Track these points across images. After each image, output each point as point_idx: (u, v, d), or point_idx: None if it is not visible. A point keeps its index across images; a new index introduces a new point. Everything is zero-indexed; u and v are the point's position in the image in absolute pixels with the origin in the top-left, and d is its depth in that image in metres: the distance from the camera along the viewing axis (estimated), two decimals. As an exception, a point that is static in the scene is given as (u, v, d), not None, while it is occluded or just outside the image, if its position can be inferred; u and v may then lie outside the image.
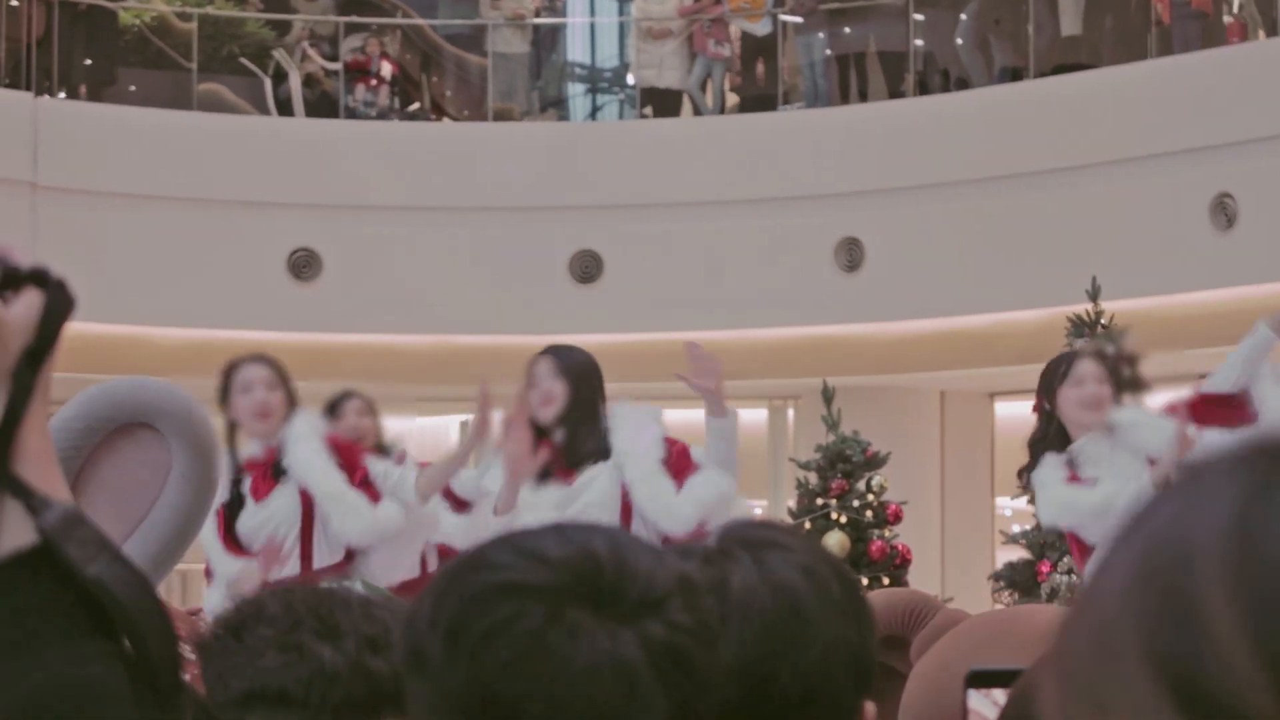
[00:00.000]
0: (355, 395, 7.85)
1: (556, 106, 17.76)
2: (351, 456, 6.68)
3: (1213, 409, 6.65)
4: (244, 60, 16.87)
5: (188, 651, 2.02)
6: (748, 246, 15.61)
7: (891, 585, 11.39)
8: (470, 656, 1.40)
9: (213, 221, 15.60)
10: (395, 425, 10.81)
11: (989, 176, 15.07)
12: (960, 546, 16.06)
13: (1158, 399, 6.85)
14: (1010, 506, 14.26)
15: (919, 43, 16.47)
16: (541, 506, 6.15)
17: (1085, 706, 0.84)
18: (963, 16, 16.38)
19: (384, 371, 15.17)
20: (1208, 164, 14.11)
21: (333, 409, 7.62)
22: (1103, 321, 11.70)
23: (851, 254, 15.73)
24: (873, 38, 16.71)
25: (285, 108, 16.72)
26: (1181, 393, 6.84)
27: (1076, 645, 0.85)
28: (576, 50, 18.16)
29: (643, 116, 17.04)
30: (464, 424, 16.47)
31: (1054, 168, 14.82)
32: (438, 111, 17.48)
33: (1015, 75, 15.85)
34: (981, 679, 1.95)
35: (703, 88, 16.89)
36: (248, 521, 6.55)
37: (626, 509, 6.33)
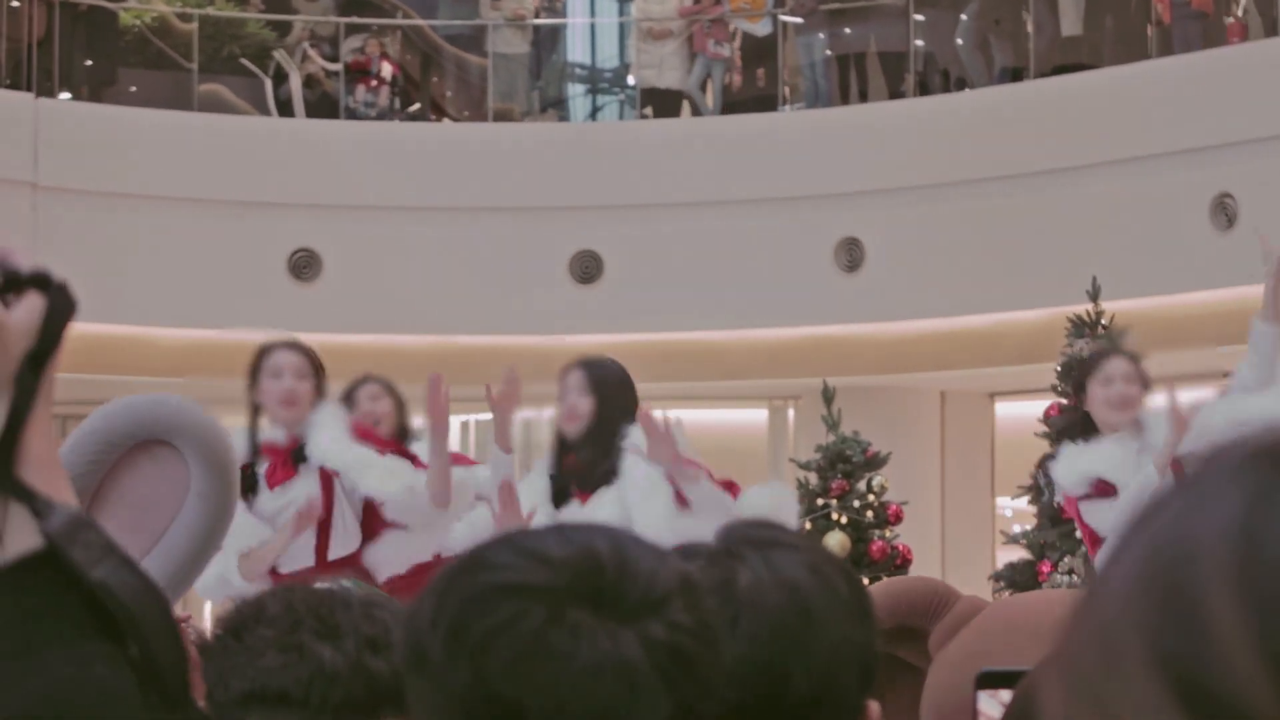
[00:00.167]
0: (370, 380, 7.79)
1: (557, 107, 17.77)
2: (374, 442, 6.58)
3: None
4: (244, 61, 16.87)
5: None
6: (748, 247, 15.61)
7: (892, 585, 11.38)
8: (471, 656, 1.40)
9: (213, 222, 15.60)
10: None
11: (989, 177, 15.07)
12: (960, 547, 16.06)
13: (1157, 399, 6.84)
14: (1011, 507, 14.26)
15: (919, 43, 16.47)
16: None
17: (1088, 707, 0.84)
18: (963, 17, 16.38)
19: (384, 372, 15.12)
20: (1208, 164, 14.11)
21: (348, 397, 7.54)
22: (1103, 322, 11.69)
23: (852, 254, 15.73)
24: (873, 38, 16.71)
25: (286, 108, 16.73)
26: (1200, 392, 6.83)
27: (1080, 645, 0.85)
28: (577, 51, 18.16)
29: (643, 117, 17.04)
30: (465, 424, 16.47)
31: (1054, 168, 14.82)
32: (438, 112, 17.48)
33: (1015, 76, 15.85)
34: (990, 680, 1.95)
35: (703, 88, 16.88)
36: (265, 506, 6.43)
37: None
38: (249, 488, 6.41)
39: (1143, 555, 0.84)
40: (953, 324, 15.45)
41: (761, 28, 16.92)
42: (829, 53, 16.63)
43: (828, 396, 11.80)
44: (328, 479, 6.45)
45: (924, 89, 16.21)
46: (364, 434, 6.64)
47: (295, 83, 16.76)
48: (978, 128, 15.24)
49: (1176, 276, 14.15)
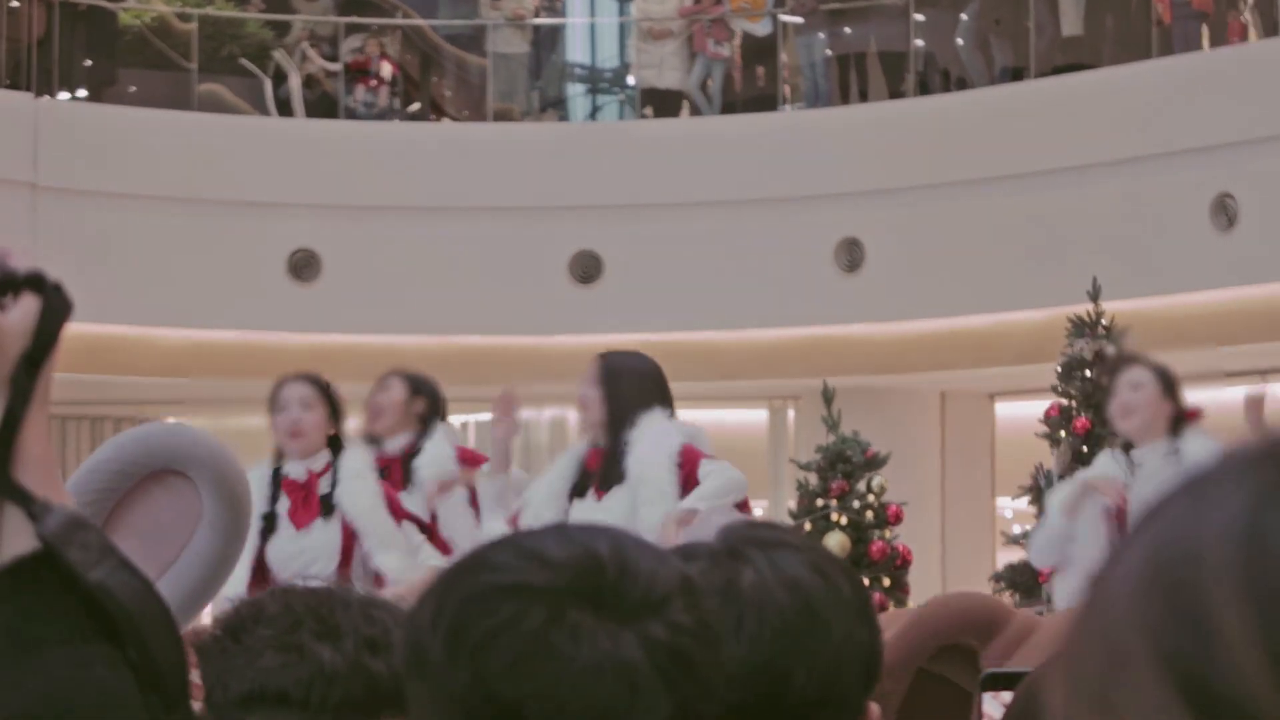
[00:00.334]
0: (388, 375, 7.82)
1: (556, 107, 17.77)
2: (393, 511, 6.59)
3: None
4: (244, 61, 16.87)
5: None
6: (748, 246, 15.61)
7: (892, 586, 11.39)
8: (471, 657, 1.39)
9: (212, 222, 15.60)
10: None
11: (989, 177, 15.07)
12: (961, 547, 16.06)
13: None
14: (1011, 507, 14.26)
15: (919, 43, 16.47)
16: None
17: (1092, 708, 0.83)
18: (963, 16, 16.38)
19: (383, 373, 15.14)
20: (1209, 164, 14.11)
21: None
22: (1103, 322, 11.69)
23: (852, 254, 15.73)
24: (873, 38, 16.71)
25: (285, 108, 16.73)
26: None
27: (1084, 648, 0.84)
28: (576, 51, 18.17)
29: (643, 117, 17.05)
30: (464, 425, 16.47)
31: (1054, 168, 14.82)
32: (438, 112, 17.49)
33: (1016, 75, 15.86)
34: (995, 681, 1.95)
35: (703, 88, 16.89)
36: (283, 547, 6.45)
37: None
38: (269, 529, 6.45)
39: (1146, 556, 0.84)
40: (953, 324, 15.45)
41: (761, 27, 16.93)
42: (829, 52, 16.64)
43: (828, 397, 11.80)
44: (349, 529, 6.49)
45: (924, 89, 16.21)
46: (388, 497, 6.66)
47: (295, 82, 16.77)
48: (978, 128, 15.24)
49: (1177, 277, 14.15)
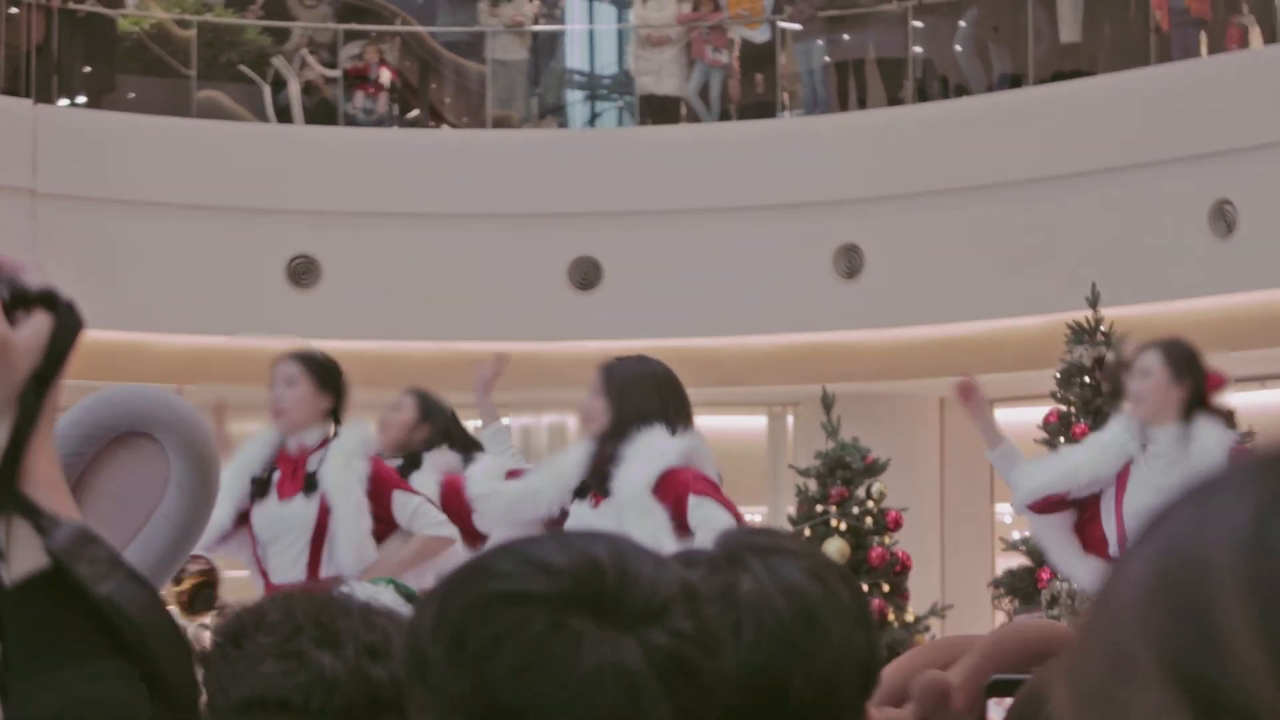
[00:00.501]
0: (405, 393, 7.94)
1: (555, 113, 17.77)
2: (382, 485, 6.74)
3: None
4: (243, 67, 16.87)
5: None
6: (747, 253, 15.61)
7: (891, 593, 11.38)
8: (473, 665, 1.39)
9: (212, 228, 15.60)
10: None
11: (988, 183, 15.08)
12: (960, 553, 16.06)
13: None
14: (1010, 513, 14.25)
15: (918, 49, 16.47)
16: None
17: (1098, 713, 0.83)
18: (961, 23, 16.39)
19: (383, 379, 15.13)
20: (1207, 170, 14.12)
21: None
22: (1102, 328, 11.69)
23: (851, 261, 15.73)
24: (872, 44, 16.71)
25: (284, 115, 16.73)
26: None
27: (1091, 656, 0.84)
28: (575, 57, 18.17)
29: (642, 123, 17.05)
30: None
31: (1053, 174, 14.83)
32: (436, 118, 17.49)
33: (1014, 82, 15.86)
34: (999, 688, 1.95)
35: (701, 95, 16.89)
36: (264, 513, 6.71)
37: None
38: (260, 492, 6.73)
39: (1152, 562, 0.84)
40: (952, 331, 15.45)
41: (760, 34, 16.93)
42: (828, 59, 16.64)
43: (827, 403, 11.80)
44: (325, 506, 6.69)
45: (923, 95, 16.22)
46: (380, 477, 6.79)
47: (294, 89, 16.77)
48: (977, 134, 15.24)
49: (1176, 283, 14.15)
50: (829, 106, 16.47)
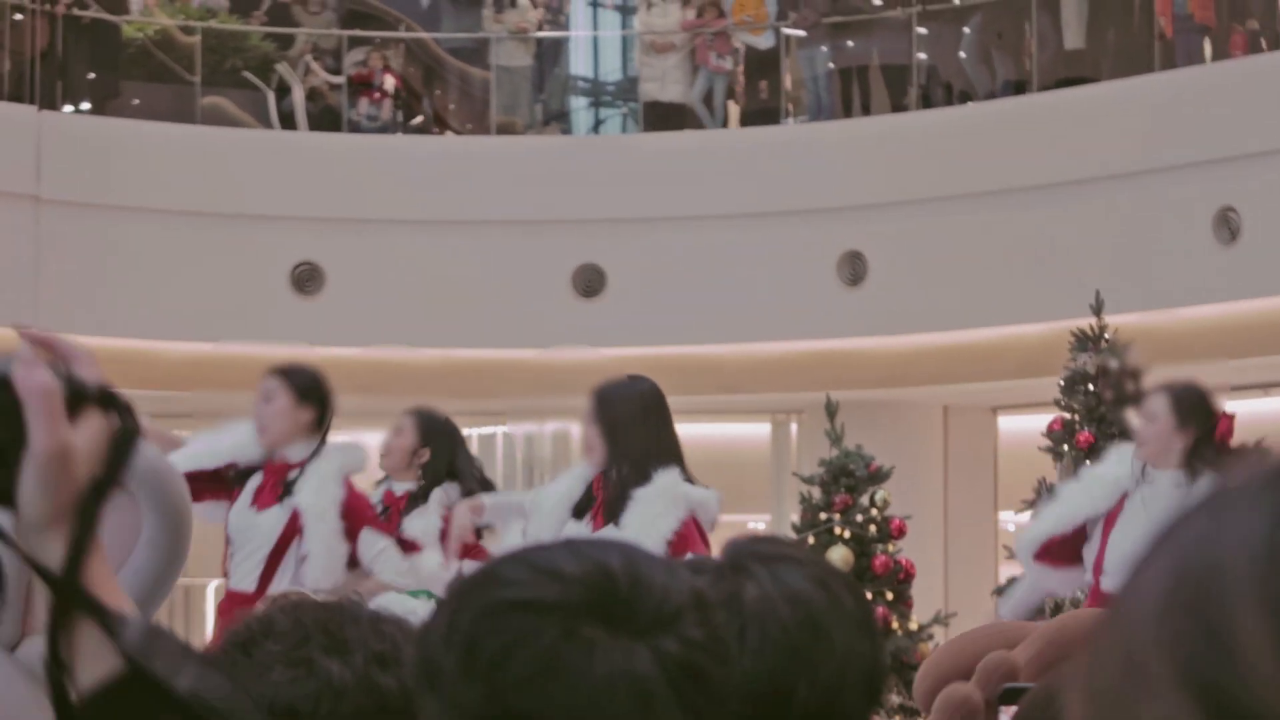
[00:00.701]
0: (405, 415, 7.89)
1: (559, 120, 17.77)
2: (355, 519, 6.78)
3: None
4: (247, 74, 16.88)
5: None
6: (750, 260, 15.61)
7: (895, 600, 11.37)
8: (486, 673, 1.39)
9: (216, 235, 15.61)
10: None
11: (992, 190, 15.08)
12: (964, 561, 16.05)
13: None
14: (1014, 521, 14.24)
15: (922, 56, 16.47)
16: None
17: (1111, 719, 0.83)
18: (966, 30, 16.39)
19: (386, 385, 15.16)
20: (1211, 177, 14.11)
21: None
22: (1106, 336, 11.68)
23: (855, 268, 15.73)
24: (876, 51, 16.71)
25: (288, 121, 16.73)
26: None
27: (1104, 664, 0.84)
28: (580, 64, 18.17)
29: (646, 130, 17.05)
30: (467, 438, 16.45)
31: (1057, 181, 14.82)
32: (441, 125, 17.49)
33: (1018, 89, 15.86)
34: (1011, 695, 1.95)
35: (705, 101, 16.89)
36: (238, 516, 6.77)
37: None
38: (239, 481, 6.80)
39: (1167, 572, 0.84)
40: (956, 338, 15.44)
41: (764, 41, 16.93)
42: (832, 66, 16.64)
43: (831, 410, 11.79)
44: (295, 522, 6.73)
45: (927, 102, 16.22)
46: (355, 509, 6.82)
47: (298, 95, 16.77)
48: (980, 141, 15.24)
49: (1180, 290, 14.15)
50: (833, 113, 16.47)
